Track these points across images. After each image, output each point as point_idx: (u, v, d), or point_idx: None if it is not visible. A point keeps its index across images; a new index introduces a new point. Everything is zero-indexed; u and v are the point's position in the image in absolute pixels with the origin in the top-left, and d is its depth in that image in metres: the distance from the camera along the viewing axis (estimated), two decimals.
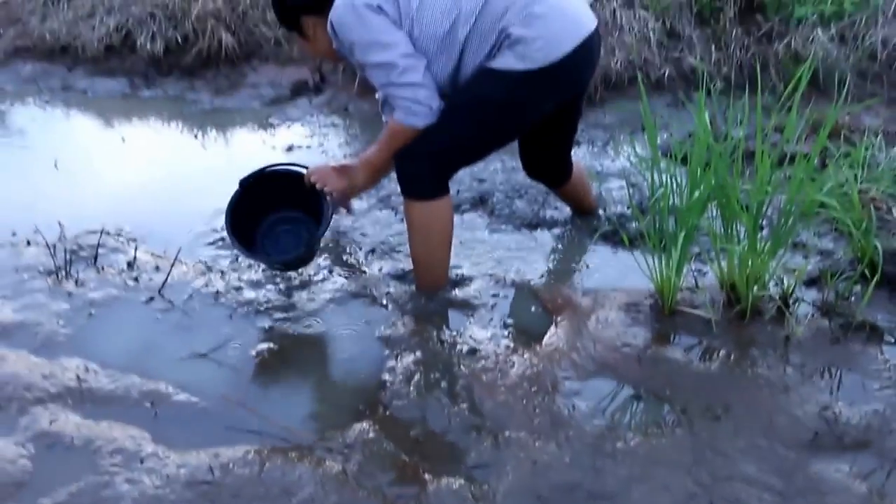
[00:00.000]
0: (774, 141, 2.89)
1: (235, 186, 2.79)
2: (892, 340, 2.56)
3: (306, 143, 4.24)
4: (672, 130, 4.23)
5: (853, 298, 2.73)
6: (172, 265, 2.93)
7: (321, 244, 2.90)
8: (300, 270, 2.92)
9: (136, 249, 3.08)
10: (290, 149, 4.15)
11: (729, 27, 4.95)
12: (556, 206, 3.41)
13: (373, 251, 3.13)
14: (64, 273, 2.93)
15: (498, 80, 2.54)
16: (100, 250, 3.08)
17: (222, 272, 2.97)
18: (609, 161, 3.95)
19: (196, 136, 4.34)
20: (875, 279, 2.59)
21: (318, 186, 2.71)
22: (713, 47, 4.89)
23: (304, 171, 2.78)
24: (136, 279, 2.92)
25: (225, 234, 3.20)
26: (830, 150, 3.08)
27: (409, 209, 2.70)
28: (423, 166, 2.62)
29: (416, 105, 2.54)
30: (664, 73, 4.73)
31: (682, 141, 3.00)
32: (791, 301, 2.66)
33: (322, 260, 3.03)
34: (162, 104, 4.83)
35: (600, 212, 3.38)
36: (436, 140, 2.59)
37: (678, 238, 2.49)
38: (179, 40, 5.17)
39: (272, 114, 4.65)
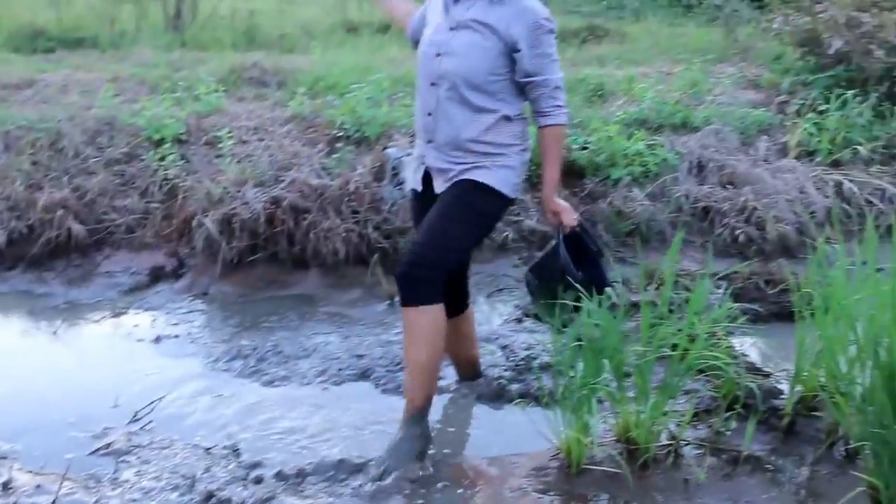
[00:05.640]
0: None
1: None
2: (772, 468, 2.65)
3: (174, 332, 3.88)
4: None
5: (728, 433, 2.81)
6: (61, 484, 2.54)
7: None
8: None
9: (10, 469, 2.66)
10: (157, 339, 3.80)
11: None
12: (440, 375, 3.32)
13: None
14: None
15: (492, 197, 2.68)
16: None
17: (114, 484, 2.61)
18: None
19: (54, 335, 3.89)
20: (756, 415, 2.70)
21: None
22: None
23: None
24: None
25: (111, 440, 2.88)
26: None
27: (418, 316, 2.64)
28: (438, 272, 2.62)
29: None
30: (506, 236, 4.89)
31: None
32: (681, 444, 2.70)
33: None
34: (10, 301, 4.34)
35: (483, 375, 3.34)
36: (450, 248, 2.64)
37: (584, 399, 2.48)
38: (24, 231, 4.75)
39: (132, 304, 4.25)
